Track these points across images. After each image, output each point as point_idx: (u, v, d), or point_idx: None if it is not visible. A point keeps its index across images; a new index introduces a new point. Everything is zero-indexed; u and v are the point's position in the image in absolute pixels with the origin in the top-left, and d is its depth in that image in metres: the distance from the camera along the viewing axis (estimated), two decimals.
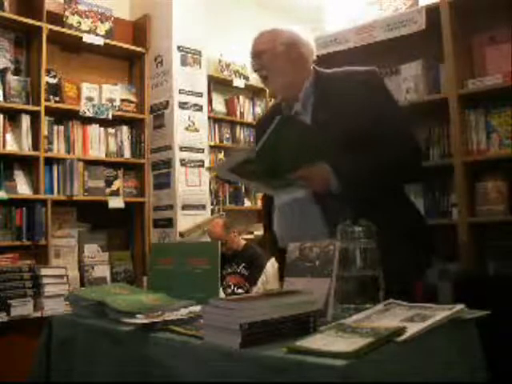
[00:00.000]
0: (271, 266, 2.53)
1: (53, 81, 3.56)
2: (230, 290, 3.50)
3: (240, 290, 3.49)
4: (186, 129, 3.93)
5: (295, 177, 1.56)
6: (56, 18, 3.58)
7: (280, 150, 1.52)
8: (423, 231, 1.76)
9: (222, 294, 1.91)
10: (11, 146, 3.30)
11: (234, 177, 1.67)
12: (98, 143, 3.76)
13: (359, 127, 1.59)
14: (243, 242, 3.80)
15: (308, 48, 1.80)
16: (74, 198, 3.52)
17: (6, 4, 3.37)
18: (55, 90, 3.56)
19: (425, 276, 1.73)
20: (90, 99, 3.72)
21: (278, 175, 1.59)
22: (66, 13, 3.63)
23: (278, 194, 1.72)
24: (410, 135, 1.73)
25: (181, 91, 3.92)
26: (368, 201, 1.53)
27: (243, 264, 3.59)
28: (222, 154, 4.79)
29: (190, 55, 4.00)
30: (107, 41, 3.79)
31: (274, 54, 1.75)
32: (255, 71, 1.82)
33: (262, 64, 1.77)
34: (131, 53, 4.04)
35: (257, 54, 1.78)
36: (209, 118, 4.30)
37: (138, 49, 4.03)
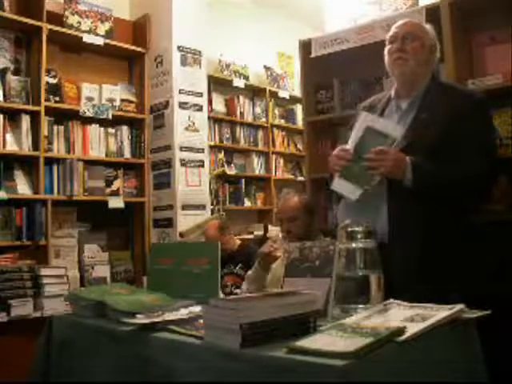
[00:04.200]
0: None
1: (53, 81, 3.55)
2: (228, 290, 3.49)
3: (238, 290, 3.48)
4: (186, 129, 3.93)
5: (374, 152, 1.65)
6: (56, 18, 3.57)
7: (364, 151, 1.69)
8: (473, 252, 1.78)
9: (221, 294, 1.91)
10: (11, 146, 3.30)
11: None
12: (97, 143, 3.76)
13: (452, 140, 1.68)
14: (238, 242, 3.78)
15: (438, 55, 1.92)
16: (74, 198, 3.52)
17: (6, 4, 3.37)
18: (55, 89, 3.56)
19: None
20: (90, 99, 3.72)
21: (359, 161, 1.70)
22: (66, 13, 3.63)
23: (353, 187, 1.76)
24: (493, 164, 1.78)
25: (181, 91, 3.92)
26: (435, 207, 1.63)
27: (240, 265, 3.58)
28: (222, 153, 4.80)
29: (190, 55, 4.00)
30: (107, 41, 3.78)
31: (424, 44, 1.83)
32: (397, 50, 1.82)
33: (408, 47, 1.81)
34: (131, 53, 4.04)
35: (408, 35, 1.82)
36: (209, 117, 4.30)
37: (138, 49, 4.02)
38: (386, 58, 1.88)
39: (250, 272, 2.44)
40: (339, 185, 1.77)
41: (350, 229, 1.43)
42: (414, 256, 1.62)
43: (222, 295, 2.03)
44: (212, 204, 4.26)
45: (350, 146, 1.76)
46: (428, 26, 1.92)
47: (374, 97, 2.06)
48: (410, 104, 1.83)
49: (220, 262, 1.70)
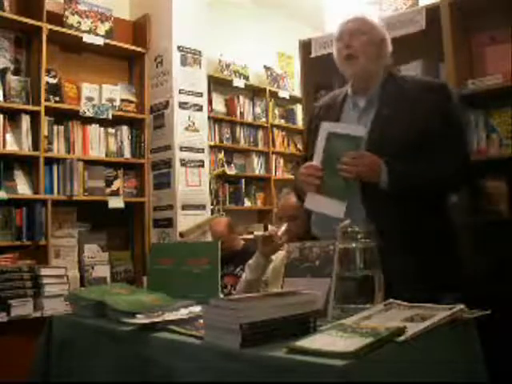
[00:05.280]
0: (273, 267, 2.53)
1: (53, 81, 3.55)
2: (226, 291, 3.49)
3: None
4: (186, 129, 3.93)
5: (348, 156, 1.60)
6: (56, 18, 3.57)
7: (335, 158, 1.63)
8: (452, 243, 1.76)
9: (220, 295, 1.91)
10: (11, 146, 3.30)
11: None
12: (98, 143, 3.76)
13: (419, 133, 1.65)
14: (242, 243, 3.79)
15: (390, 49, 1.85)
16: (74, 198, 3.52)
17: (6, 4, 3.37)
18: (55, 89, 3.56)
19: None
20: (90, 99, 3.72)
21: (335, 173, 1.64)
22: (66, 13, 3.63)
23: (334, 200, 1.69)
24: (465, 154, 1.76)
25: (181, 91, 3.92)
26: (411, 207, 1.60)
27: (241, 266, 3.58)
28: (222, 153, 4.80)
29: (190, 55, 4.00)
30: (107, 41, 3.78)
31: (372, 39, 1.78)
32: (345, 47, 1.78)
33: (357, 43, 1.76)
34: (131, 53, 4.04)
35: (355, 31, 1.78)
36: (209, 117, 4.30)
37: (138, 49, 4.03)
38: (336, 57, 1.83)
39: (250, 261, 2.44)
40: (315, 201, 1.70)
41: (350, 229, 1.42)
42: (395, 256, 1.59)
43: (221, 295, 2.03)
44: (212, 204, 4.27)
45: (316, 159, 1.70)
46: (375, 20, 1.86)
47: (332, 94, 2.00)
48: (368, 102, 1.78)
49: (220, 261, 1.70)
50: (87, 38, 3.67)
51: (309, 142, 1.92)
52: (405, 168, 1.62)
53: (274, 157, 5.23)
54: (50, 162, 3.47)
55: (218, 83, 4.84)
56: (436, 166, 1.65)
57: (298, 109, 5.39)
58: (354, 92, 1.84)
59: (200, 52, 4.07)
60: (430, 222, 1.66)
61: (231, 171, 4.81)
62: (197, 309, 1.48)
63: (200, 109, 4.04)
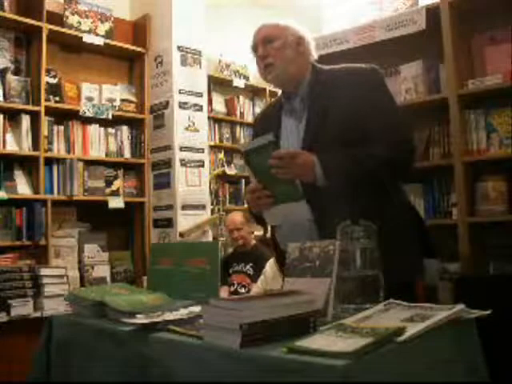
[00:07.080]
0: (270, 266, 2.54)
1: (53, 81, 3.56)
2: (232, 289, 3.53)
3: (242, 290, 3.52)
4: (186, 129, 3.93)
5: (278, 158, 1.52)
6: (56, 18, 3.57)
7: (264, 169, 1.56)
8: (420, 232, 1.74)
9: (222, 293, 1.91)
10: (11, 146, 3.30)
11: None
12: (97, 143, 3.76)
13: (354, 124, 1.60)
14: (254, 242, 3.84)
15: (311, 45, 1.82)
16: (74, 198, 3.52)
17: (6, 4, 3.37)
18: (55, 89, 3.56)
19: (423, 276, 1.73)
20: (89, 99, 3.72)
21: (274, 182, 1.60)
22: (66, 13, 3.63)
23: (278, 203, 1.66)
24: (405, 135, 1.71)
25: (181, 91, 3.92)
26: (361, 200, 1.50)
27: (251, 264, 3.63)
28: (222, 153, 4.80)
29: (190, 55, 4.00)
30: (107, 41, 3.79)
31: (285, 42, 1.75)
32: (261, 57, 1.77)
33: (271, 50, 1.74)
34: (131, 53, 4.05)
35: (267, 39, 1.75)
36: (209, 117, 4.31)
37: (138, 49, 4.03)
38: (257, 68, 1.83)
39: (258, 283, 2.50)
40: (275, 216, 1.68)
41: (349, 229, 1.42)
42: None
43: (224, 294, 2.03)
44: (212, 204, 4.27)
45: (253, 181, 1.67)
46: (287, 21, 1.83)
47: (269, 103, 2.01)
48: (301, 105, 1.75)
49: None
50: (87, 38, 3.67)
51: None
52: (340, 160, 1.57)
53: None
54: (50, 162, 3.47)
55: (217, 83, 4.84)
56: (371, 153, 1.59)
57: None
58: (286, 97, 1.81)
59: (200, 52, 4.07)
60: (379, 211, 1.56)
61: (231, 171, 4.81)
62: (197, 309, 1.47)
63: (200, 109, 4.04)
